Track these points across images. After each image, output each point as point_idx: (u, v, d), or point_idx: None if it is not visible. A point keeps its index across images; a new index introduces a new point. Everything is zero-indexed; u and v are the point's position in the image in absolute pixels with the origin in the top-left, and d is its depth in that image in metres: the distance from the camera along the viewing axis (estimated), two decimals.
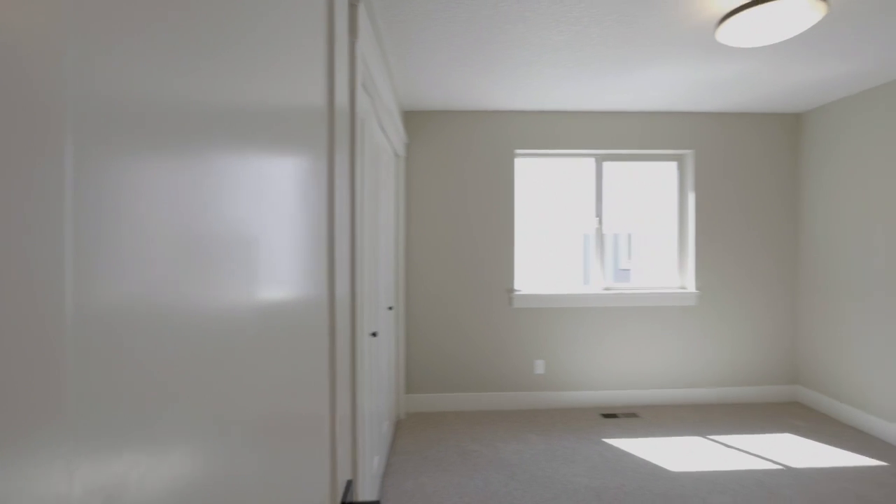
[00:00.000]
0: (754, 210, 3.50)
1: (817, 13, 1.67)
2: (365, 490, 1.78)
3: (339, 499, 0.71)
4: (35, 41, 0.17)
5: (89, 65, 0.20)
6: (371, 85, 1.91)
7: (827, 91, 2.97)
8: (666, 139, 3.46)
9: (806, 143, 3.45)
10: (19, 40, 0.17)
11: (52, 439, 0.18)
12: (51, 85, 0.18)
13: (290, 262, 0.49)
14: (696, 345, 3.50)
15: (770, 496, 2.26)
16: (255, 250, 0.41)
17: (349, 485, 0.70)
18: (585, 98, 3.09)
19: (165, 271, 0.26)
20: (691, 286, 3.51)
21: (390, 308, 2.82)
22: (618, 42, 2.23)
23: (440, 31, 2.12)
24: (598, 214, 3.53)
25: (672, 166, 3.60)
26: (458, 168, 3.39)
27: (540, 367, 3.44)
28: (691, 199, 3.50)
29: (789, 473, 2.47)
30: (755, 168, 3.50)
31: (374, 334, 2.05)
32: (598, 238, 3.54)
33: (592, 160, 3.55)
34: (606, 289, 3.53)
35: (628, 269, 9.94)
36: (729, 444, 2.82)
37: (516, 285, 3.50)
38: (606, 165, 3.55)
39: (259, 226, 0.42)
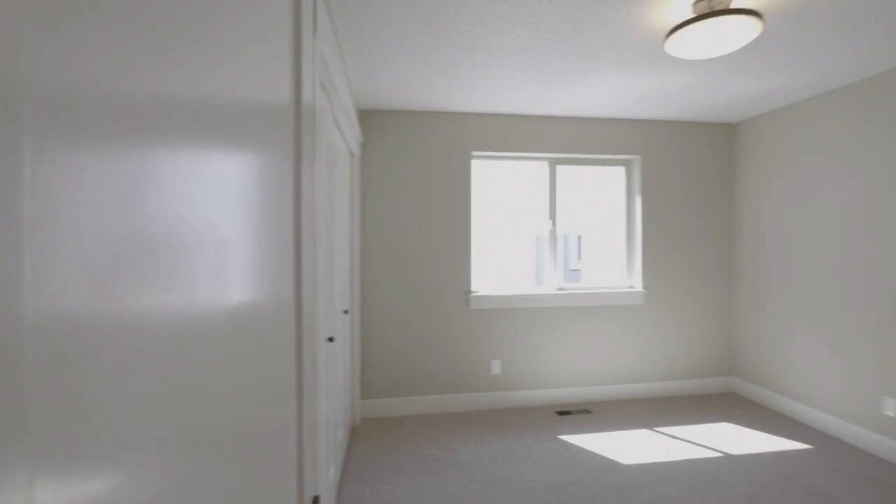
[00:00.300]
0: (695, 213, 3.72)
1: (754, 30, 1.79)
2: (322, 503, 1.71)
3: None
4: None
5: (46, 57, 0.17)
6: (329, 82, 1.85)
7: (761, 103, 3.21)
8: (615, 144, 3.60)
9: (740, 151, 3.70)
10: None
11: (8, 462, 0.15)
12: (7, 76, 0.14)
13: (255, 265, 0.45)
14: (643, 341, 3.67)
15: (713, 482, 2.39)
16: (219, 252, 0.36)
17: (316, 501, 0.65)
18: (541, 102, 3.16)
19: (107, 276, 0.22)
20: (638, 285, 3.67)
21: (345, 312, 2.74)
22: (573, 49, 2.29)
23: (400, 30, 2.08)
24: (552, 216, 3.61)
25: (620, 171, 3.76)
26: (415, 168, 3.37)
27: (496, 367, 3.47)
28: (638, 202, 3.67)
29: (729, 460, 2.63)
30: (696, 174, 3.72)
31: (330, 339, 1.98)
32: (552, 239, 3.63)
33: (546, 163, 3.63)
34: (560, 289, 3.63)
35: (579, 270, 10.30)
36: (674, 435, 2.97)
37: (473, 287, 3.52)
38: (560, 169, 3.65)
39: (224, 227, 0.38)
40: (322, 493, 1.80)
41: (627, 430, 3.06)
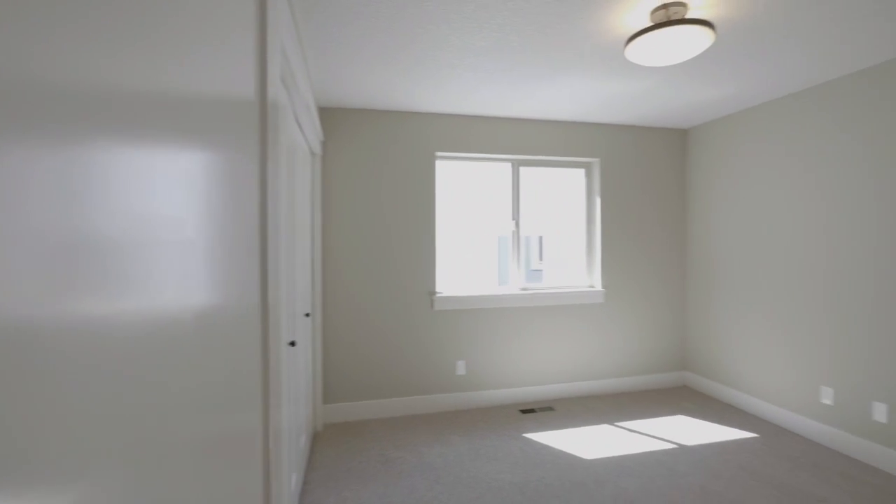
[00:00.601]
0: (652, 215, 3.87)
1: (707, 40, 1.88)
2: None
3: None
4: None
5: None
6: (290, 78, 1.78)
7: (712, 109, 3.37)
8: (576, 147, 3.69)
9: (691, 155, 3.88)
10: None
11: None
12: None
13: (220, 267, 0.41)
14: (603, 339, 3.77)
15: (669, 473, 2.48)
16: (182, 253, 0.33)
17: None
18: (505, 104, 3.18)
19: (53, 280, 0.19)
20: (598, 285, 3.77)
21: (307, 315, 2.66)
22: (537, 52, 2.32)
23: (364, 26, 2.04)
24: (515, 217, 3.66)
25: (580, 173, 3.85)
26: (379, 168, 3.32)
27: (461, 367, 3.48)
28: (598, 203, 3.77)
29: (683, 451, 2.74)
30: (652, 177, 3.86)
31: (292, 344, 1.91)
32: (515, 240, 3.67)
33: (509, 165, 3.67)
34: (523, 289, 3.67)
35: (541, 270, 10.51)
36: (633, 429, 3.07)
37: (438, 288, 3.51)
38: (523, 170, 3.70)
39: (188, 226, 0.34)
40: (284, 503, 1.74)
41: (589, 425, 3.13)
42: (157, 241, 0.30)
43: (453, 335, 3.48)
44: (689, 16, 1.94)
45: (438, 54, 2.35)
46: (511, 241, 3.69)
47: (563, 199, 3.82)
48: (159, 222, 0.30)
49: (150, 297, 0.29)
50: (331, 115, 3.23)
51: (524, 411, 3.41)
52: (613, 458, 2.67)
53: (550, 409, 3.45)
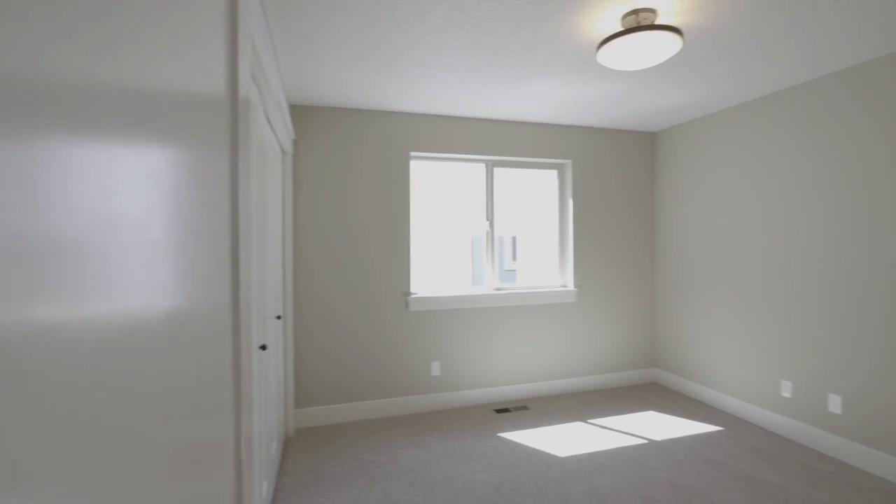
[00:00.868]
0: (622, 216, 3.96)
1: (675, 46, 1.93)
2: None
3: None
4: None
5: None
6: (260, 73, 1.73)
7: (679, 113, 3.48)
8: (549, 149, 3.74)
9: (659, 158, 4.00)
10: None
11: None
12: None
13: (189, 268, 0.39)
14: (576, 338, 3.84)
15: (640, 468, 2.54)
16: (148, 255, 0.31)
17: None
18: (479, 105, 3.19)
19: (0, 283, 0.17)
20: (571, 284, 3.83)
21: (278, 317, 2.60)
22: (511, 53, 2.33)
23: (337, 23, 2.01)
24: (489, 218, 3.67)
25: (553, 174, 3.90)
26: (352, 167, 3.27)
27: (436, 368, 3.47)
28: (570, 204, 3.83)
29: (653, 446, 2.81)
30: (623, 178, 3.95)
31: (263, 347, 1.86)
32: (490, 240, 3.69)
33: (483, 165, 3.69)
34: (497, 289, 3.69)
35: (514, 270, 10.61)
36: (605, 425, 3.13)
37: (412, 288, 3.48)
38: (497, 171, 3.72)
39: (155, 227, 0.32)
40: None
41: (562, 423, 3.18)
42: (121, 242, 0.28)
43: (428, 336, 3.46)
44: (658, 22, 1.99)
45: (413, 53, 2.33)
46: (485, 241, 3.70)
47: (536, 199, 3.86)
48: (123, 222, 0.28)
49: (113, 301, 0.27)
50: (303, 114, 3.17)
51: (499, 411, 3.42)
52: (586, 454, 2.71)
53: (525, 408, 3.48)
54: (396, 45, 2.23)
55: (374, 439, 2.97)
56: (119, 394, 0.27)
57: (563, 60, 2.43)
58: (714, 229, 3.44)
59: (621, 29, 2.02)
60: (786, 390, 2.91)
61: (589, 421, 3.21)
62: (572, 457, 2.69)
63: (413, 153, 3.44)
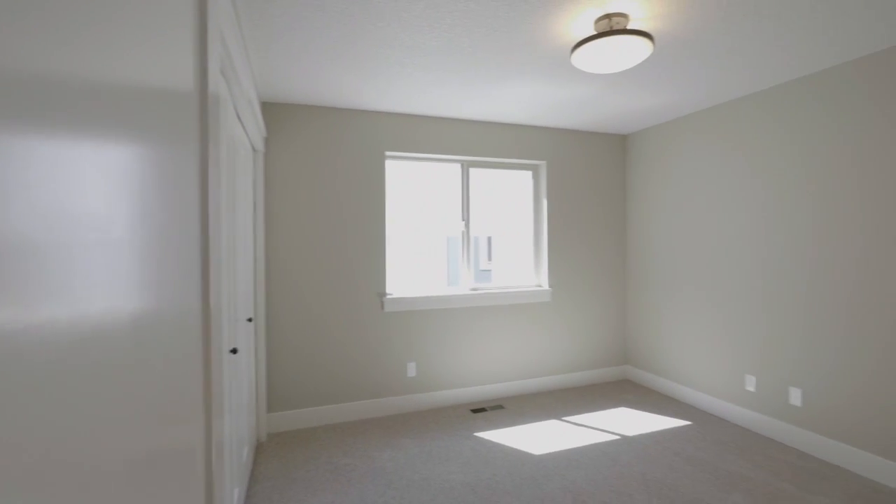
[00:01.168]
0: (595, 216, 4.03)
1: (646, 50, 1.98)
2: None
3: None
4: None
5: None
6: (230, 69, 1.68)
7: (650, 116, 3.56)
8: (523, 150, 3.78)
9: (630, 160, 4.09)
10: None
11: None
12: None
13: (157, 269, 0.37)
14: (551, 337, 3.88)
15: (613, 463, 2.59)
16: (112, 255, 0.29)
17: None
18: (455, 105, 3.20)
19: None
20: (545, 284, 3.88)
21: (249, 320, 2.53)
22: (487, 54, 2.34)
23: (311, 19, 1.97)
24: (465, 218, 3.68)
25: (528, 175, 3.94)
26: (326, 166, 3.22)
27: (412, 369, 3.45)
28: (544, 205, 3.88)
29: (625, 441, 2.87)
30: (596, 180, 4.03)
31: (233, 351, 1.80)
32: (465, 241, 3.70)
33: (459, 165, 3.69)
34: (473, 289, 3.70)
35: (489, 270, 10.68)
36: (579, 422, 3.18)
37: (388, 289, 3.46)
38: (472, 171, 3.73)
39: (119, 226, 0.30)
40: None
41: (538, 421, 3.21)
42: (84, 242, 0.26)
43: (404, 337, 3.44)
44: (630, 27, 2.03)
45: (389, 52, 2.31)
46: (461, 241, 3.71)
47: (511, 200, 3.89)
48: (86, 221, 0.26)
49: (76, 304, 0.26)
50: (275, 111, 3.10)
51: (475, 410, 3.43)
52: (561, 451, 2.75)
53: (501, 407, 3.50)
54: (371, 43, 2.21)
55: (350, 442, 2.93)
56: (82, 401, 0.25)
57: (538, 62, 2.45)
58: (683, 230, 3.54)
59: (594, 33, 2.06)
60: (750, 384, 3.02)
61: (564, 418, 3.26)
62: (548, 454, 2.72)
63: (388, 153, 3.41)
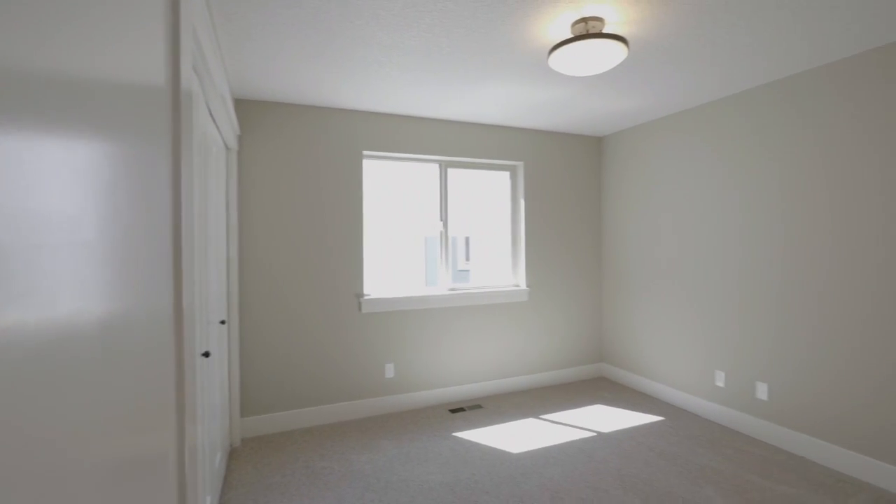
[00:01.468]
0: (571, 216, 4.09)
1: (621, 54, 2.02)
2: None
3: None
4: None
5: None
6: (202, 65, 1.64)
7: (624, 119, 3.64)
8: (501, 150, 3.80)
9: (605, 161, 4.17)
10: None
11: None
12: None
13: (127, 271, 0.35)
14: (528, 336, 3.92)
15: (589, 460, 2.64)
16: (80, 256, 0.28)
17: None
18: (433, 105, 3.19)
19: None
20: (523, 283, 3.92)
21: (222, 322, 2.47)
22: (465, 55, 2.34)
23: (286, 16, 1.93)
24: (443, 218, 3.68)
25: (506, 175, 3.97)
26: (302, 166, 3.17)
27: (390, 370, 3.43)
28: (522, 205, 3.92)
29: (601, 438, 2.93)
30: (572, 181, 4.09)
31: (206, 354, 1.75)
32: (443, 241, 3.70)
33: (437, 165, 3.69)
34: (451, 290, 3.71)
35: (467, 270, 10.71)
36: (556, 420, 3.22)
37: (365, 290, 3.43)
38: (450, 172, 3.73)
39: (88, 226, 0.29)
40: None
41: (516, 420, 3.24)
42: (49, 243, 0.25)
43: (382, 338, 3.42)
44: (605, 31, 2.07)
45: (366, 51, 2.29)
46: (439, 241, 3.71)
47: (489, 200, 3.91)
48: (51, 221, 0.25)
49: (41, 308, 0.24)
50: (249, 108, 3.03)
51: (454, 410, 3.44)
52: (539, 449, 2.78)
53: (479, 406, 3.52)
54: (349, 41, 2.18)
55: (327, 445, 2.89)
56: (47, 407, 0.24)
57: (516, 64, 2.47)
58: (657, 230, 3.63)
59: (571, 36, 2.09)
60: (719, 380, 3.12)
61: (541, 416, 3.30)
62: (525, 452, 2.74)
63: (366, 152, 3.38)
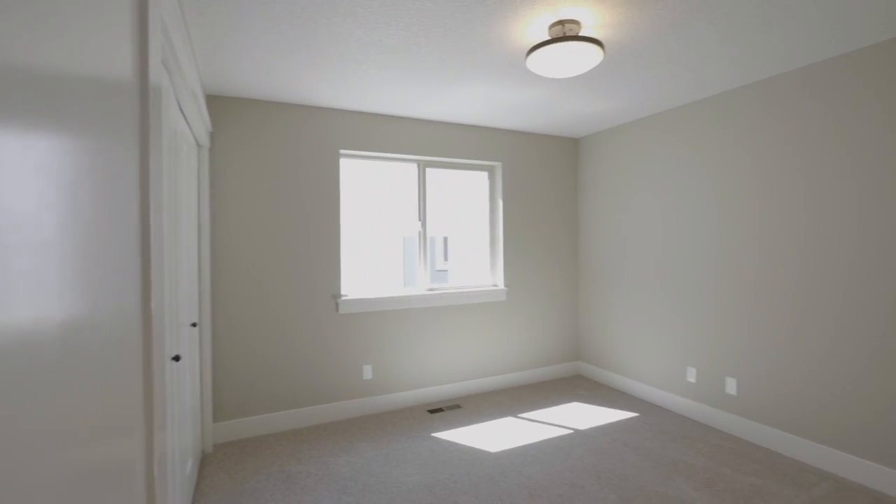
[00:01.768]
0: (549, 217, 4.13)
1: (597, 57, 2.05)
2: None
3: None
4: None
5: None
6: (172, 59, 1.58)
7: (600, 121, 3.70)
8: (479, 150, 3.81)
9: (581, 163, 4.23)
10: None
11: None
12: None
13: (90, 272, 0.34)
14: (506, 335, 3.95)
15: (566, 457, 2.67)
16: (38, 257, 0.26)
17: None
18: (410, 104, 3.18)
19: None
20: (501, 283, 3.94)
21: (194, 325, 2.40)
22: (444, 55, 2.34)
23: (260, 10, 1.89)
24: (422, 218, 3.67)
25: (484, 176, 3.99)
26: (277, 164, 3.11)
27: (368, 371, 3.40)
28: (500, 205, 3.94)
29: (578, 435, 2.97)
30: (550, 181, 4.13)
31: (176, 358, 1.70)
32: (422, 241, 3.69)
33: (415, 165, 3.68)
34: (430, 290, 3.70)
35: (446, 270, 10.71)
36: (534, 419, 3.25)
37: (343, 290, 3.38)
38: (429, 171, 3.72)
39: (47, 225, 0.27)
40: None
41: (494, 419, 3.25)
42: (6, 244, 0.23)
43: (359, 339, 3.38)
44: (582, 34, 2.10)
45: (344, 48, 2.26)
46: (417, 241, 3.69)
47: (467, 200, 3.92)
48: (8, 221, 0.23)
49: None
50: (222, 105, 2.95)
51: (432, 411, 3.43)
52: (517, 448, 2.80)
53: (458, 406, 3.52)
54: (326, 38, 2.15)
55: (304, 449, 2.84)
56: (6, 414, 0.22)
57: (494, 65, 2.48)
58: (631, 231, 3.71)
59: (548, 38, 2.11)
60: (691, 376, 3.20)
61: (519, 415, 3.32)
62: (504, 451, 2.76)
63: (343, 151, 3.34)
